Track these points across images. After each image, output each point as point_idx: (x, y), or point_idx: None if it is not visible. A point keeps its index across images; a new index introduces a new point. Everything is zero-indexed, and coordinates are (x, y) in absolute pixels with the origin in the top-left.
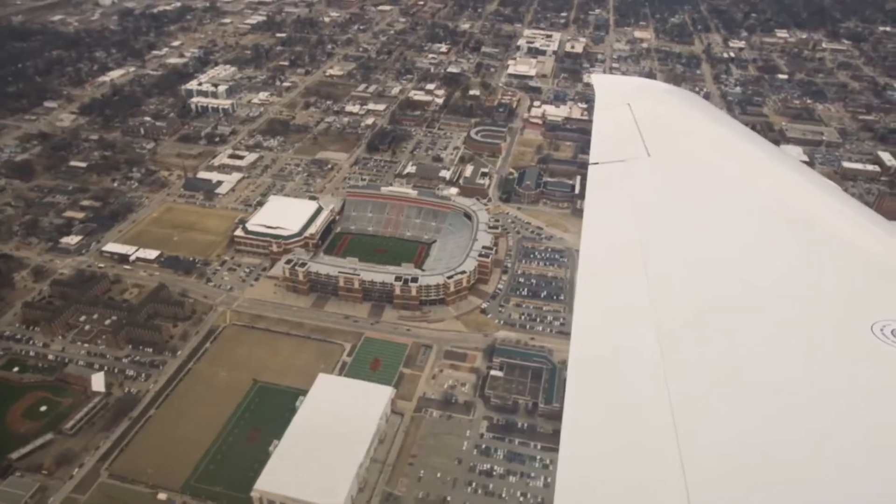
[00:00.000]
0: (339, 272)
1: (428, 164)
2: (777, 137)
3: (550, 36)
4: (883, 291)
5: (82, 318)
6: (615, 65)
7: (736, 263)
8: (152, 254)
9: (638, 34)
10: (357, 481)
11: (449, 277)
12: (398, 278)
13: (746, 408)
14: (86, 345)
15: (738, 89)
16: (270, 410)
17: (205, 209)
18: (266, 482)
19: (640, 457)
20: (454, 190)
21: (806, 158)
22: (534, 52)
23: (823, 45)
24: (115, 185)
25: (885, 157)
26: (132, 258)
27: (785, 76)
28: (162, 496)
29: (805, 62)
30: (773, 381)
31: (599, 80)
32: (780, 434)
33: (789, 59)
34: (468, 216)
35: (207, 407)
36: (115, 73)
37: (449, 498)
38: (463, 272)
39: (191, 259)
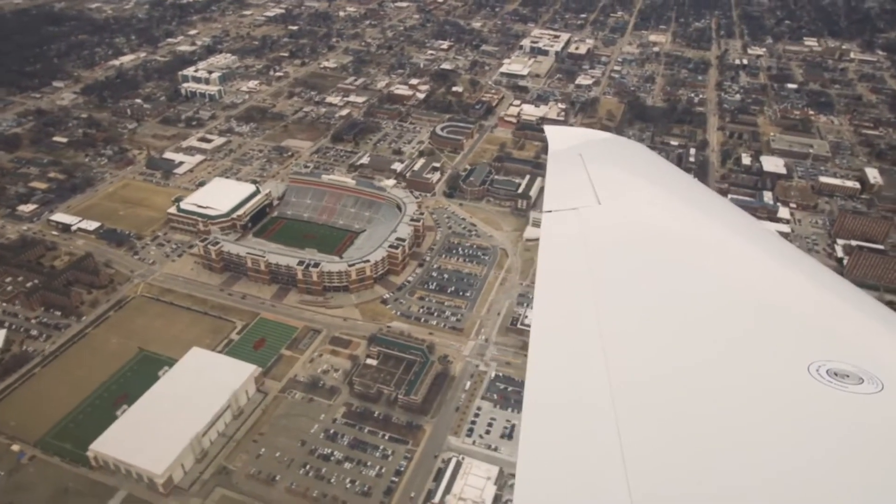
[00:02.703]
0: (247, 253)
1: (384, 155)
2: (760, 148)
3: (558, 36)
4: (817, 332)
5: (8, 280)
6: (617, 67)
7: (682, 310)
8: (93, 225)
9: (653, 38)
10: (193, 452)
11: (351, 265)
12: (300, 262)
13: (696, 452)
14: (3, 304)
15: (737, 97)
16: (144, 378)
17: (158, 187)
18: (102, 444)
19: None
20: (391, 181)
21: (783, 171)
22: (536, 52)
23: (852, 55)
24: (87, 160)
25: (871, 173)
26: (74, 228)
27: (795, 86)
28: (15, 447)
29: (824, 72)
30: (724, 427)
31: (552, 132)
32: (732, 479)
33: (808, 68)
34: (400, 208)
35: (88, 370)
36: (126, 58)
37: (278, 477)
38: (366, 261)
39: (126, 232)
